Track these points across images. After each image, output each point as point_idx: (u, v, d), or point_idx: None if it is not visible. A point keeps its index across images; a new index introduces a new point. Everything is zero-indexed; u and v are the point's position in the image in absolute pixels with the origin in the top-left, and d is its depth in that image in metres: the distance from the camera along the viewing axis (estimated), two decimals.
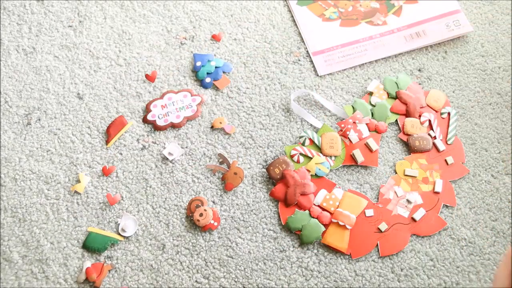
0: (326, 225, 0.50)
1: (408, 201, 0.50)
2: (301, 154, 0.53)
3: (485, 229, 0.50)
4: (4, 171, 0.53)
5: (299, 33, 0.60)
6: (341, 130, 0.54)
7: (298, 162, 0.52)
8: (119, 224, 0.50)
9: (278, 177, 0.52)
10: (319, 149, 0.53)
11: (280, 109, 0.56)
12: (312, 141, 0.53)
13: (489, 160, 0.53)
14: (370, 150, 0.53)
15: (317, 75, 0.57)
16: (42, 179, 0.53)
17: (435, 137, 0.53)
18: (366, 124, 0.54)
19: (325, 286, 0.48)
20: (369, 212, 0.50)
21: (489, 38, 0.59)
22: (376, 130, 0.54)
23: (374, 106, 0.55)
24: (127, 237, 0.50)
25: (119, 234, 0.50)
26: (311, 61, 0.58)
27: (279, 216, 0.51)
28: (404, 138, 0.54)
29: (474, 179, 0.52)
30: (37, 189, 0.53)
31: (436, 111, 0.55)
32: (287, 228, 0.50)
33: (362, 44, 0.58)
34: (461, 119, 0.55)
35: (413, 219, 0.50)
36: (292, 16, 0.61)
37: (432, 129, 0.54)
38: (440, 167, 0.52)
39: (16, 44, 0.60)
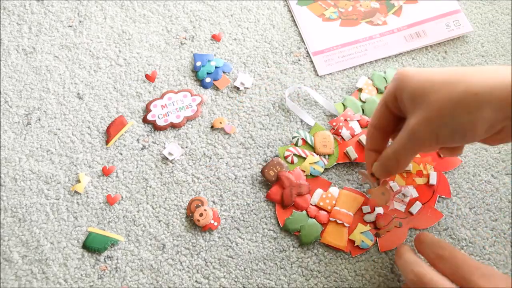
0: (324, 224, 0.50)
1: (404, 195, 0.50)
2: (294, 154, 0.52)
3: (485, 229, 0.50)
4: (4, 171, 0.53)
5: (299, 33, 0.60)
6: (333, 128, 0.53)
7: (292, 163, 0.52)
8: (164, 149, 0.53)
9: (273, 179, 0.51)
10: (313, 148, 0.53)
11: (280, 109, 0.56)
12: (305, 141, 0.53)
13: (489, 160, 0.53)
14: (363, 146, 0.53)
15: (317, 75, 0.57)
16: (42, 179, 0.53)
17: None
18: (358, 121, 0.54)
19: (325, 286, 0.48)
20: (366, 209, 0.50)
21: (489, 38, 0.59)
22: (367, 126, 0.54)
23: (364, 102, 0.55)
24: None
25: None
26: (311, 61, 0.58)
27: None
28: None
29: (474, 179, 0.52)
30: (37, 189, 0.53)
31: None
32: (285, 230, 0.50)
33: (362, 44, 0.58)
34: None
35: (410, 213, 0.50)
36: (292, 16, 0.61)
37: None
38: (433, 160, 0.52)
39: (16, 44, 0.60)
